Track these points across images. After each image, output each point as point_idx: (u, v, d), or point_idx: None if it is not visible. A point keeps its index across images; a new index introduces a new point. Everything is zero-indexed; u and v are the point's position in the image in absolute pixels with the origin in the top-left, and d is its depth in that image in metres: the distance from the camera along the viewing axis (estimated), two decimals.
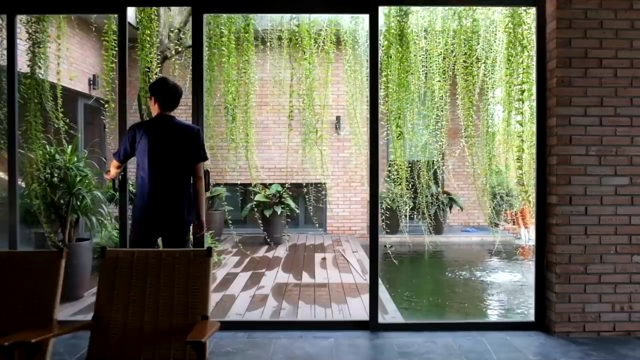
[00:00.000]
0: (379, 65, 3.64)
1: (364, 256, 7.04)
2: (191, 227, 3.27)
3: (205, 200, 3.26)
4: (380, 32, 4.26)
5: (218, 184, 8.41)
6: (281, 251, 7.57)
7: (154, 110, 3.23)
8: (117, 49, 3.59)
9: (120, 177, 3.47)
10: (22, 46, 3.86)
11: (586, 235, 3.40)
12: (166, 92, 3.18)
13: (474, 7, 4.64)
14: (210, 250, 2.28)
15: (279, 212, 8.09)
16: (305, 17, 5.39)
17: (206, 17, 3.57)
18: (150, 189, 3.07)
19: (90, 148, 6.84)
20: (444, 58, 5.00)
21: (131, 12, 7.03)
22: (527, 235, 7.74)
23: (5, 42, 3.62)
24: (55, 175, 4.45)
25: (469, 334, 3.45)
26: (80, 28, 6.76)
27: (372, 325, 3.54)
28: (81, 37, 7.13)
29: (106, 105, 4.80)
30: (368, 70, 3.60)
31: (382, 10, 4.42)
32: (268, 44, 6.21)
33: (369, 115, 3.57)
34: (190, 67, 3.55)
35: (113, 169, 3.29)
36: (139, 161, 3.13)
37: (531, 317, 3.65)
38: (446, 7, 4.83)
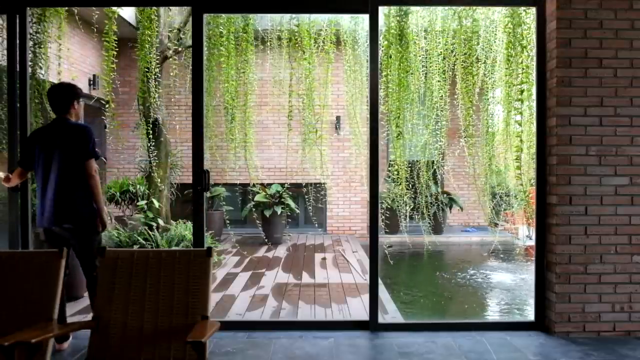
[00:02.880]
0: (379, 65, 3.64)
1: (364, 256, 7.04)
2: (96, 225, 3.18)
3: (101, 198, 3.15)
4: (380, 32, 4.27)
5: (217, 184, 8.42)
6: (281, 251, 7.57)
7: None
8: (8, 50, 3.54)
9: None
10: None
11: (586, 235, 3.40)
12: (49, 97, 3.23)
13: (474, 7, 4.64)
14: (210, 250, 2.28)
15: (279, 212, 8.09)
16: (305, 17, 5.39)
17: (206, 17, 3.57)
18: (40, 193, 3.11)
19: None
20: (444, 58, 5.00)
21: (131, 12, 7.07)
22: (522, 234, 7.74)
23: (5, 42, 3.62)
24: None
25: (469, 334, 3.45)
26: (80, 28, 6.76)
27: (372, 325, 3.54)
28: (81, 37, 7.13)
29: (107, 105, 4.80)
30: (368, 70, 3.59)
31: (382, 10, 4.42)
32: (268, 43, 6.21)
33: (369, 115, 3.57)
34: (190, 67, 3.54)
35: (16, 178, 3.21)
36: (35, 166, 3.16)
37: (531, 317, 3.65)
38: (446, 7, 4.83)
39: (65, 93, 3.23)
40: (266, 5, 3.78)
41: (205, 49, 3.57)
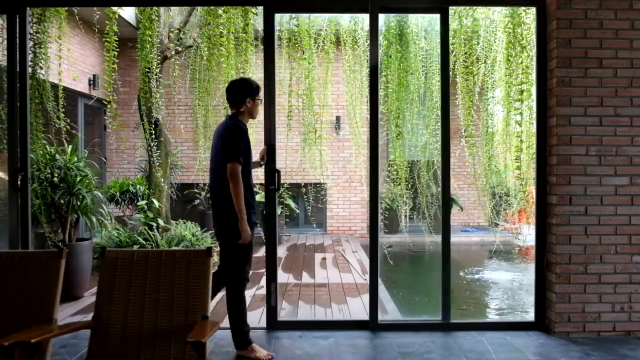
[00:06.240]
0: (379, 66, 3.63)
1: (364, 256, 7.04)
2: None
3: (241, 206, 2.89)
4: (380, 32, 4.26)
5: None
6: (281, 251, 7.57)
7: None
8: (5, 51, 3.52)
9: (21, 176, 3.45)
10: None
11: (586, 235, 3.40)
12: (227, 92, 3.13)
13: (474, 7, 4.63)
14: (210, 250, 2.28)
15: (278, 212, 8.08)
16: (305, 17, 5.38)
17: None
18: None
19: (90, 148, 6.85)
20: None
21: (131, 12, 7.06)
22: (523, 234, 7.73)
23: (5, 42, 3.62)
24: (56, 175, 4.45)
25: (468, 333, 3.45)
26: (80, 28, 6.77)
27: (372, 325, 3.54)
28: (81, 37, 7.13)
29: (108, 106, 4.80)
30: (368, 70, 3.59)
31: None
32: None
33: (369, 116, 3.57)
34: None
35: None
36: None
37: (531, 317, 3.65)
38: None
39: (231, 88, 3.07)
40: (327, 6, 3.76)
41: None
